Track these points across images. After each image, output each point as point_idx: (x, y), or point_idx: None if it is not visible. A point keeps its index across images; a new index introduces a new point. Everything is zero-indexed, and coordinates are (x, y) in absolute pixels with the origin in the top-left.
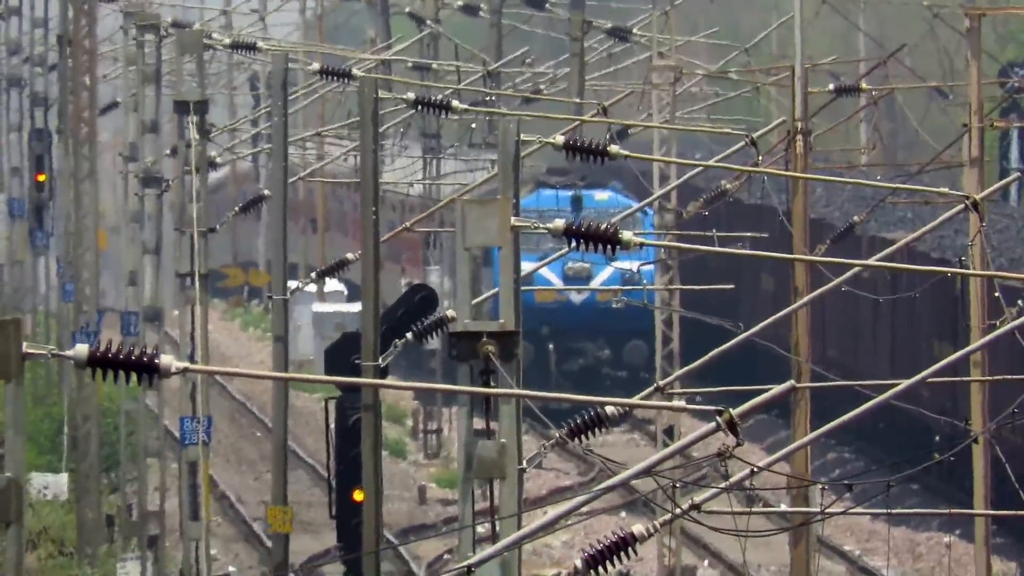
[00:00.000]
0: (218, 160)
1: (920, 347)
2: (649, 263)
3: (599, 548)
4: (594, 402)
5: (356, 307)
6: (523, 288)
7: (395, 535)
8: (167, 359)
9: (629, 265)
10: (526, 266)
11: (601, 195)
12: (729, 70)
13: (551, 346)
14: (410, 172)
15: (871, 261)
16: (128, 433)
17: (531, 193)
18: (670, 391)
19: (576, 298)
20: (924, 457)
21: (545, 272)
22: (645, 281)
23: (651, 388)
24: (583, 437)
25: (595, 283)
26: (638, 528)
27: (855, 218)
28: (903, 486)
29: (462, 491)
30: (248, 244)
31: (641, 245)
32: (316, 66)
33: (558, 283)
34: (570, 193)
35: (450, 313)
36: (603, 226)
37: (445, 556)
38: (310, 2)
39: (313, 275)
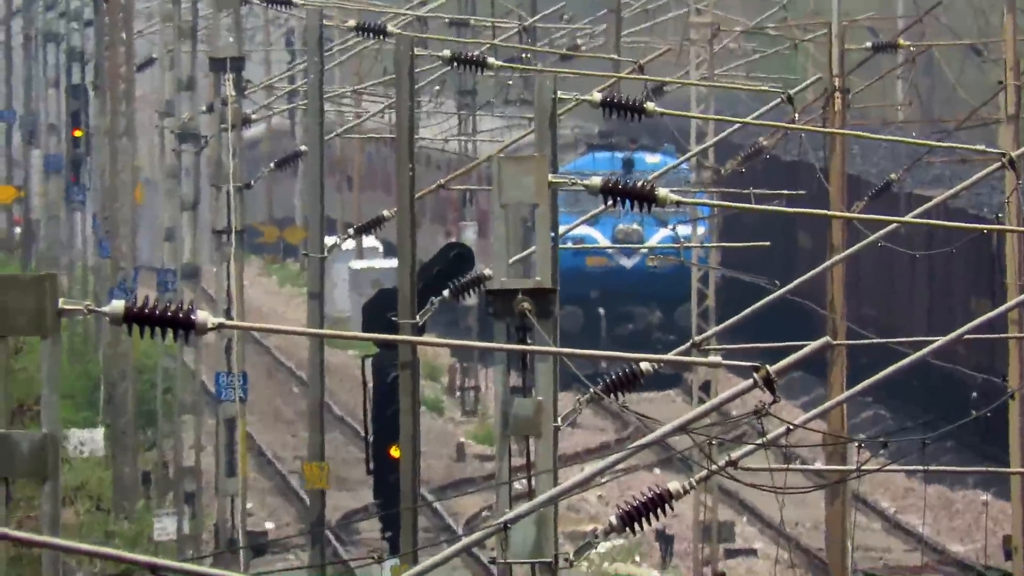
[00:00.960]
0: (254, 117)
1: (957, 304)
2: (686, 222)
3: (635, 504)
4: (630, 359)
5: (393, 264)
6: (564, 248)
7: (432, 492)
8: (203, 315)
9: (681, 229)
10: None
11: (653, 158)
12: (766, 26)
13: (601, 310)
14: (446, 129)
15: (908, 218)
16: (164, 390)
17: (583, 155)
18: (706, 347)
19: (627, 262)
20: (960, 414)
21: (595, 235)
22: (683, 240)
23: (687, 344)
24: (619, 394)
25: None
26: (674, 485)
27: (892, 175)
28: (939, 443)
29: (499, 448)
30: (285, 201)
31: (678, 204)
32: (352, 22)
33: (607, 246)
34: (621, 155)
35: (487, 270)
36: (640, 183)
37: (483, 513)
38: None
39: (350, 232)
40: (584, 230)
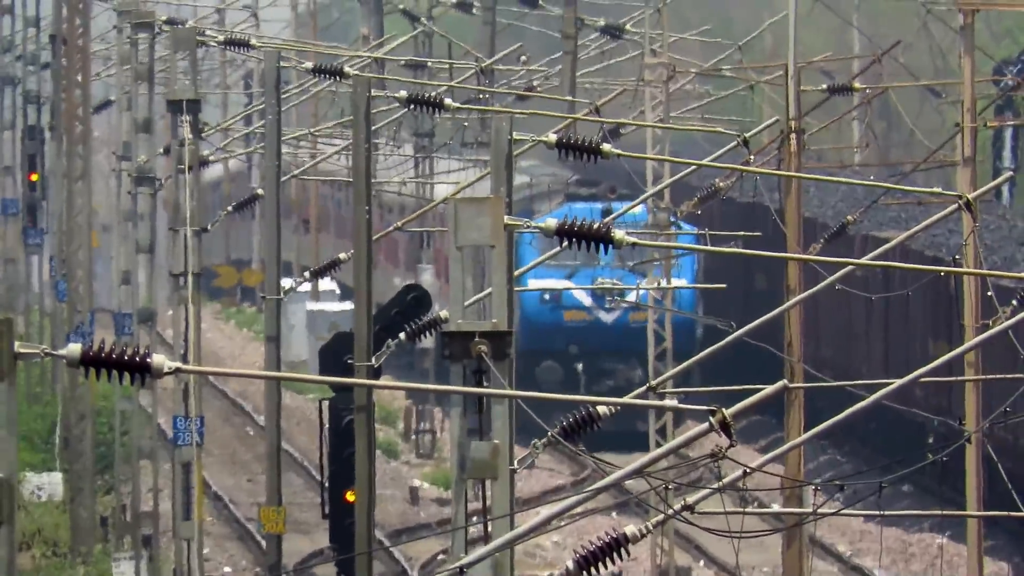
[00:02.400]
0: (211, 159)
1: (914, 346)
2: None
3: (592, 549)
4: (587, 401)
5: (350, 306)
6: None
7: (388, 535)
8: (159, 359)
9: (664, 283)
10: (552, 282)
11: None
12: (722, 68)
13: (580, 366)
14: (403, 171)
15: (864, 260)
16: (122, 433)
17: (561, 206)
18: (662, 390)
19: (606, 316)
20: (917, 457)
21: (574, 291)
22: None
23: (643, 387)
24: (576, 437)
25: (626, 303)
26: (631, 529)
27: (848, 217)
28: (896, 487)
29: (455, 491)
30: (242, 243)
31: (634, 245)
32: (309, 64)
33: (587, 302)
34: (600, 205)
35: (443, 313)
36: (595, 225)
37: (439, 556)
38: None
39: (306, 274)
40: (563, 284)
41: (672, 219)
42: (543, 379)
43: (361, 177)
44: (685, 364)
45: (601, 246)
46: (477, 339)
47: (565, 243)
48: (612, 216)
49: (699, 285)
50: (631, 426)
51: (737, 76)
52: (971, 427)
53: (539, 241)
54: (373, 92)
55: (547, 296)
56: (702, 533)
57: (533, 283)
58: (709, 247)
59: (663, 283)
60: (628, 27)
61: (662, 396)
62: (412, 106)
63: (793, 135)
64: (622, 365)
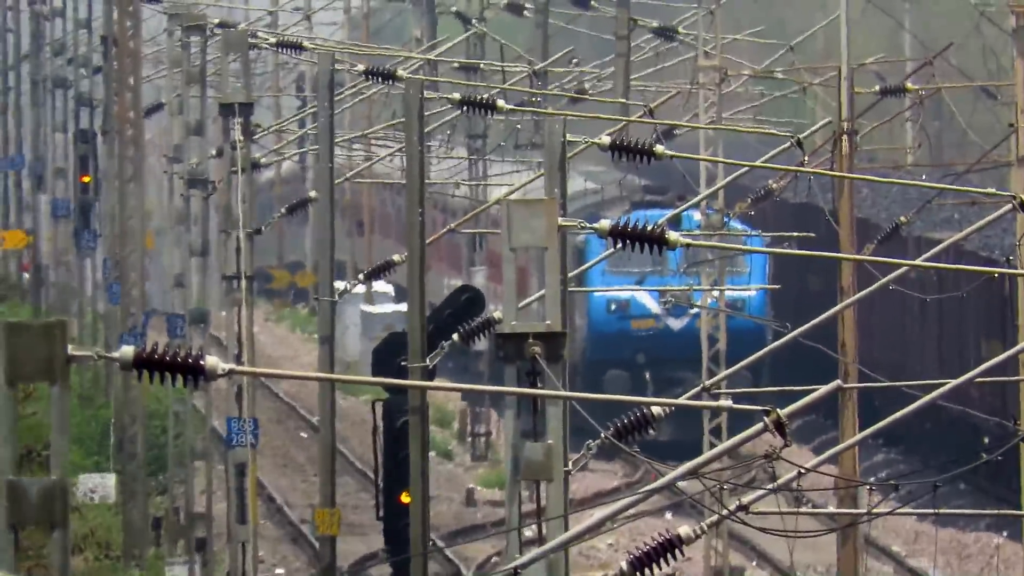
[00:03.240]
0: (263, 161)
1: (968, 347)
2: (737, 284)
3: (645, 550)
4: (641, 402)
5: (403, 307)
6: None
7: (442, 537)
8: (213, 360)
9: (734, 293)
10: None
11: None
12: (775, 70)
13: (648, 375)
14: (456, 173)
15: (918, 261)
16: (175, 435)
17: (628, 213)
18: (716, 391)
19: (675, 324)
20: (972, 457)
21: (642, 297)
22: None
23: (698, 388)
24: (631, 438)
25: (695, 309)
26: (685, 530)
27: (901, 218)
28: (951, 486)
29: (509, 493)
30: (295, 245)
31: (688, 246)
32: (362, 67)
33: (655, 309)
34: (668, 212)
35: (497, 314)
36: (650, 227)
37: (493, 558)
38: (355, 1)
39: (360, 276)
40: (630, 292)
41: (734, 222)
42: (610, 389)
43: (414, 179)
44: (739, 365)
45: (656, 247)
46: (531, 340)
47: (619, 244)
48: (665, 218)
49: (752, 286)
50: (695, 434)
51: (790, 78)
52: None
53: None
54: (426, 94)
55: (614, 305)
56: (756, 533)
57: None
58: (761, 248)
59: (719, 285)
60: (680, 29)
61: (716, 397)
62: (465, 108)
63: (846, 136)
64: (691, 373)
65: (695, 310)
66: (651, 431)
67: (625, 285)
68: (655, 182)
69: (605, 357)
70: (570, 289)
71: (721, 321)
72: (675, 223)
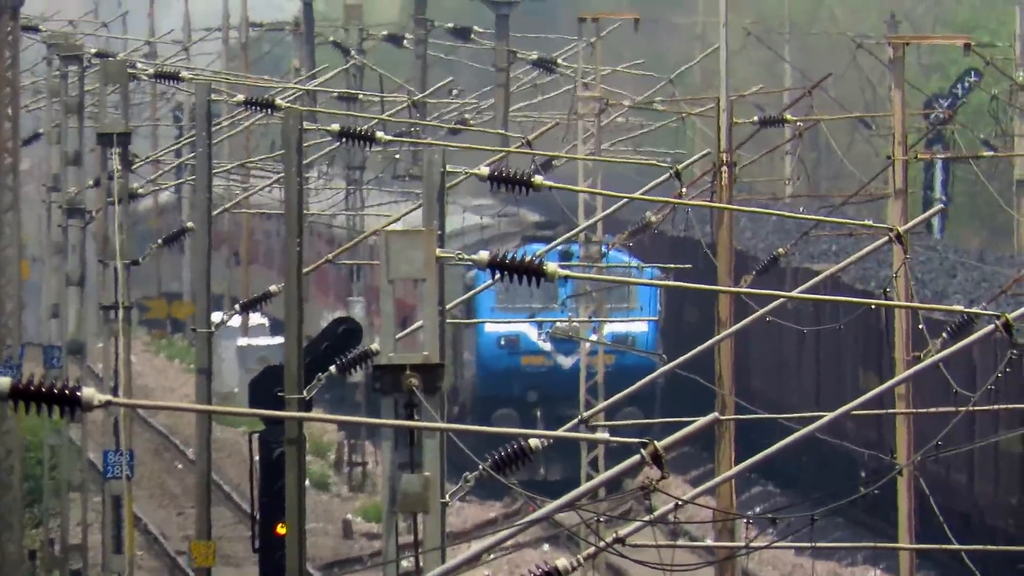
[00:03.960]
0: (141, 191)
1: (845, 379)
2: (626, 319)
3: None
4: (518, 434)
5: (280, 340)
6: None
7: (319, 569)
8: (89, 392)
9: (624, 327)
10: (503, 326)
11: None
12: (654, 100)
13: (539, 413)
14: (335, 203)
15: (795, 293)
16: (51, 467)
17: (518, 248)
18: (594, 423)
19: (565, 361)
20: (849, 490)
21: (532, 334)
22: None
23: (575, 420)
24: (508, 471)
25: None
26: (562, 562)
27: (779, 250)
28: (828, 519)
29: (386, 525)
30: (173, 276)
31: (567, 278)
32: (240, 97)
33: (546, 346)
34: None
35: (374, 346)
36: (529, 258)
37: None
38: (234, 32)
39: (237, 308)
40: (519, 328)
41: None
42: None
43: (292, 210)
44: (616, 397)
45: (535, 279)
46: (408, 372)
47: (499, 276)
48: (545, 249)
49: (632, 319)
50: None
51: (669, 109)
52: (902, 460)
53: (498, 286)
54: (304, 125)
55: (504, 341)
56: (634, 566)
57: (491, 327)
58: (639, 280)
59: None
60: (560, 60)
61: (593, 430)
62: (344, 139)
63: (725, 167)
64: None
65: (587, 347)
66: (535, 466)
67: (520, 317)
68: (546, 217)
69: (495, 394)
70: (448, 320)
71: (600, 353)
72: (566, 256)
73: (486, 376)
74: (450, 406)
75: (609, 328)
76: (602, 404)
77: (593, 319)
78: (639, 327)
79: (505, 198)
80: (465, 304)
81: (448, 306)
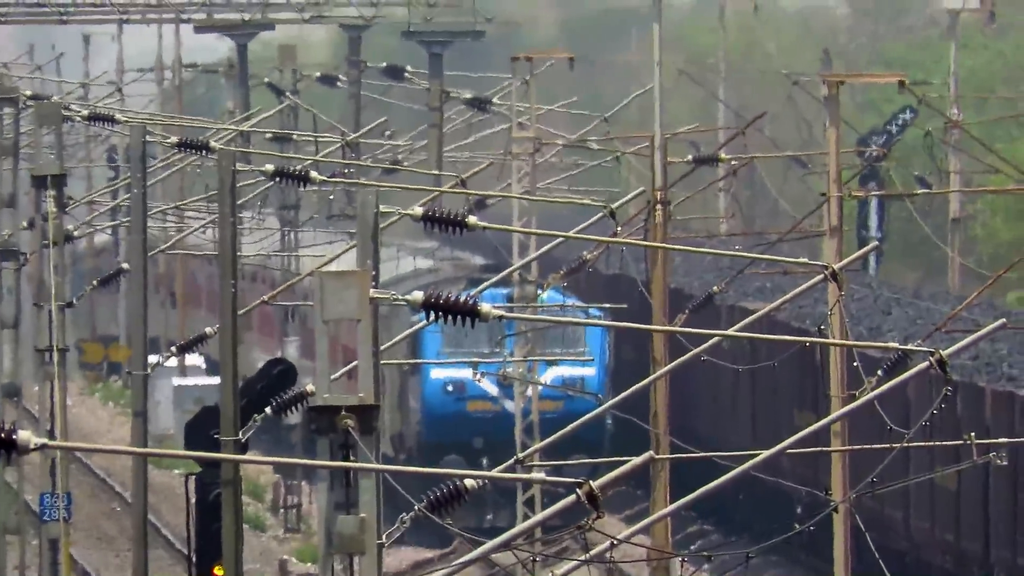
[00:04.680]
0: (76, 233)
1: (781, 417)
2: (578, 364)
3: None
4: (454, 475)
5: (216, 381)
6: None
7: None
8: (25, 435)
9: (571, 371)
10: (455, 372)
11: (542, 293)
12: (589, 139)
13: (485, 461)
14: (269, 244)
15: (730, 331)
16: None
17: (463, 291)
18: (530, 463)
19: (513, 407)
20: (785, 527)
21: (478, 379)
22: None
23: (511, 460)
24: (443, 511)
25: (531, 391)
26: None
27: (714, 288)
28: (764, 557)
29: (322, 566)
30: (108, 318)
31: (501, 318)
32: (174, 138)
33: (493, 391)
34: (505, 291)
35: (310, 387)
36: (463, 298)
37: None
38: (168, 73)
39: (173, 349)
40: (465, 373)
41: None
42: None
43: (227, 251)
44: (552, 438)
45: (468, 320)
46: (344, 413)
47: (432, 317)
48: (477, 290)
49: (563, 355)
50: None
51: (604, 147)
52: (838, 497)
53: (444, 331)
54: (239, 165)
55: (451, 387)
56: None
57: (437, 372)
58: (574, 319)
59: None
60: (495, 99)
61: (529, 470)
62: (278, 179)
63: (659, 206)
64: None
65: (528, 390)
66: (482, 512)
67: (459, 368)
68: (491, 260)
69: (441, 440)
70: (386, 362)
71: (534, 393)
72: (511, 302)
73: (432, 422)
74: (396, 453)
75: (557, 373)
76: (538, 444)
77: (530, 360)
78: (587, 371)
79: (443, 239)
80: (411, 348)
81: (384, 346)
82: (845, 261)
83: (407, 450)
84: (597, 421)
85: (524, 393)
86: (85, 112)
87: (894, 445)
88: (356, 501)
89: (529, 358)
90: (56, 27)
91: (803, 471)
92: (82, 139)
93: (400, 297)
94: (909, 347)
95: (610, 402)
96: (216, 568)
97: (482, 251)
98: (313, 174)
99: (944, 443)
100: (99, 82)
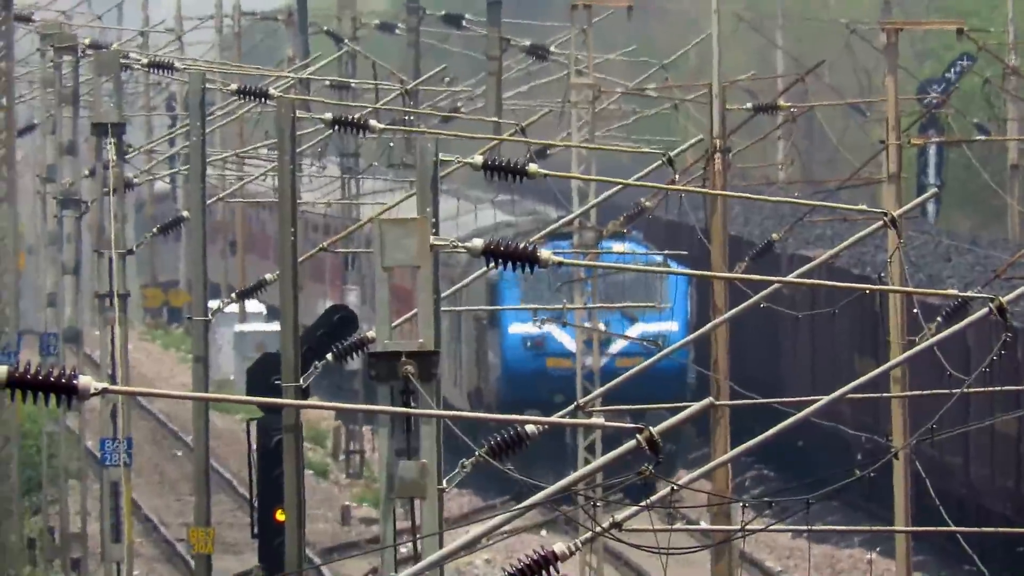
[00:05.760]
0: (136, 181)
1: (840, 363)
2: (658, 319)
3: (521, 567)
4: (514, 421)
5: (276, 327)
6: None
7: (318, 555)
8: (86, 380)
9: (655, 327)
10: (534, 327)
11: (619, 247)
12: (647, 87)
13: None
14: (329, 192)
15: (790, 278)
16: (49, 455)
17: (544, 246)
18: (590, 409)
19: (593, 364)
20: (844, 474)
21: (559, 335)
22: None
23: (571, 406)
24: (504, 456)
25: (614, 348)
26: (560, 547)
27: (774, 235)
28: (824, 503)
29: (383, 511)
30: (168, 264)
31: (560, 264)
32: (234, 86)
33: (572, 347)
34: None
35: (370, 334)
36: (522, 245)
37: None
38: (227, 21)
39: (232, 296)
40: (545, 329)
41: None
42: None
43: (286, 198)
44: (612, 383)
45: (529, 266)
46: (404, 359)
47: (492, 264)
48: (539, 235)
49: (628, 304)
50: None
51: (662, 95)
52: (898, 443)
53: (522, 283)
54: (298, 113)
55: (530, 343)
56: (631, 550)
57: (515, 328)
58: (635, 266)
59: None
60: (553, 48)
61: (589, 415)
62: (337, 127)
63: (718, 154)
64: None
65: (614, 349)
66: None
67: (540, 324)
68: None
69: (521, 397)
70: (443, 309)
71: (595, 339)
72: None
73: (511, 379)
74: (474, 410)
75: (641, 328)
76: (599, 390)
77: (594, 309)
78: (670, 326)
79: (511, 189)
80: (489, 304)
81: (445, 293)
82: (904, 208)
83: (485, 407)
84: (679, 376)
85: (588, 343)
86: (144, 60)
87: (954, 391)
88: (417, 447)
89: (592, 306)
90: None
91: (863, 417)
92: (141, 87)
93: (460, 244)
94: (968, 294)
95: (667, 349)
96: (278, 513)
97: (531, 197)
98: (372, 122)
99: (1004, 388)
100: (158, 30)
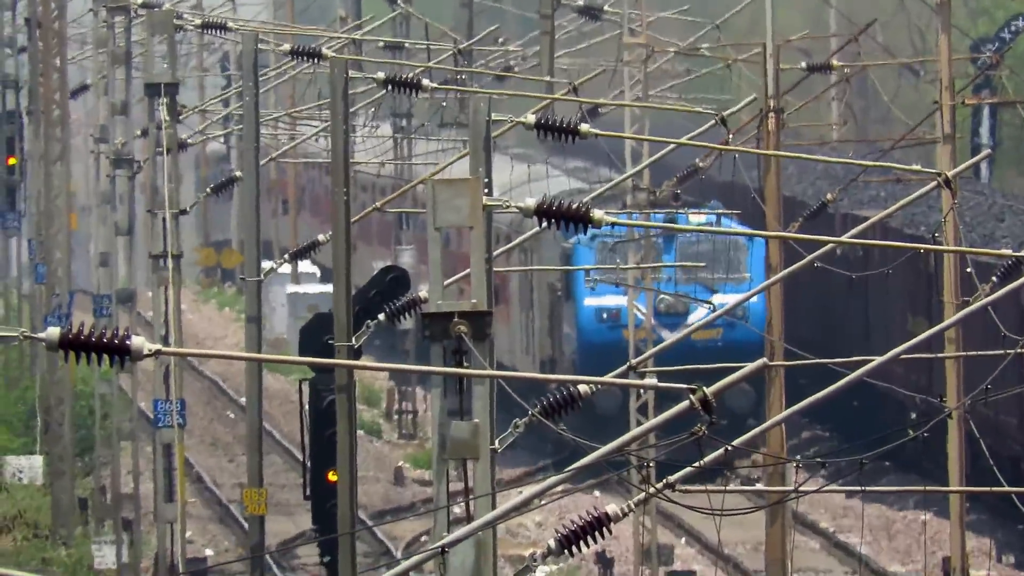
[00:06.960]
0: (189, 141)
1: (894, 324)
2: (735, 290)
3: (574, 527)
4: (566, 381)
5: (329, 288)
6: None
7: (371, 516)
8: (139, 341)
9: (732, 298)
10: (611, 299)
11: (698, 216)
12: (700, 47)
13: (641, 390)
14: (381, 152)
15: (844, 238)
16: (102, 416)
17: (619, 214)
18: (643, 369)
19: (669, 336)
20: (898, 434)
21: (635, 307)
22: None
23: (624, 366)
24: (556, 417)
25: (692, 319)
26: (612, 508)
27: (828, 195)
28: (878, 463)
29: (436, 472)
30: (221, 224)
31: (613, 224)
32: (287, 46)
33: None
34: (662, 213)
35: (422, 294)
36: (575, 205)
37: (422, 537)
38: None
39: (286, 256)
40: (621, 301)
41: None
42: (602, 405)
43: (339, 158)
44: (665, 344)
45: (582, 226)
46: (456, 319)
47: (544, 223)
48: (590, 196)
49: (677, 263)
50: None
51: (715, 55)
52: (952, 404)
53: (598, 249)
54: (351, 73)
55: (605, 314)
56: (685, 511)
57: (591, 300)
58: (681, 226)
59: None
60: (606, 7)
61: (642, 375)
62: (390, 87)
63: (772, 114)
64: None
65: (692, 322)
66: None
67: (617, 295)
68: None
69: (595, 369)
70: (495, 269)
71: (648, 299)
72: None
73: (586, 350)
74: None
75: (719, 300)
76: (652, 350)
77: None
78: (751, 301)
79: (550, 147)
80: (563, 275)
81: (497, 252)
82: (958, 168)
83: None
84: (752, 344)
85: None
86: (197, 20)
87: (1008, 351)
88: (469, 407)
89: (642, 265)
90: None
91: (916, 377)
92: (194, 48)
93: (513, 203)
94: (1023, 254)
95: (721, 310)
96: (330, 474)
97: (582, 156)
98: (425, 82)
99: None
100: None
